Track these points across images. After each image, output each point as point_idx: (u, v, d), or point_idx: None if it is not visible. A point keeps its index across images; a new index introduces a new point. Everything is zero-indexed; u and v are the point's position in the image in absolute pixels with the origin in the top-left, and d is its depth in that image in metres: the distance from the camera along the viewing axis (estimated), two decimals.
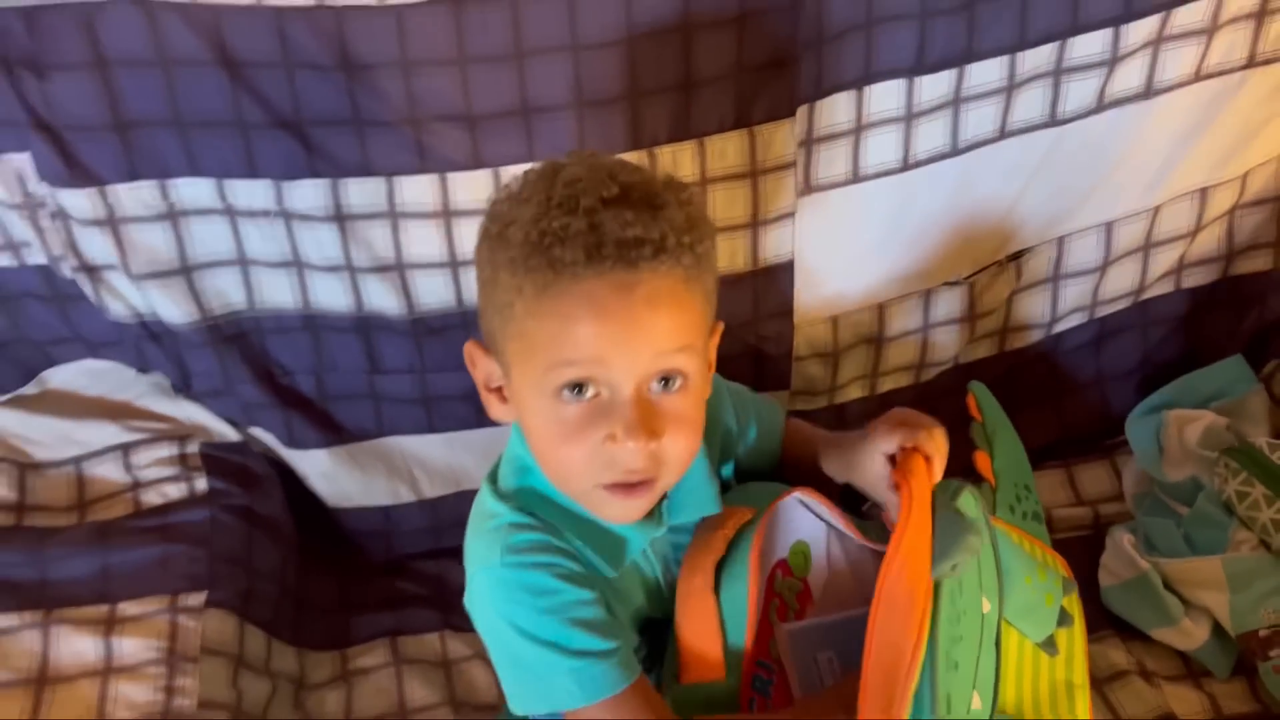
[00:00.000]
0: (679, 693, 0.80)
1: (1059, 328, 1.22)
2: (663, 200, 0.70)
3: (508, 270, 0.69)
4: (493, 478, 0.82)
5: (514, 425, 0.80)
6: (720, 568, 0.82)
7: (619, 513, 0.76)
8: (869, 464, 0.80)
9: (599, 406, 0.71)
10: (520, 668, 0.77)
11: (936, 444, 0.78)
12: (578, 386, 0.71)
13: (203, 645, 0.94)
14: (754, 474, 0.95)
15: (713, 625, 0.80)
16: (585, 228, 0.67)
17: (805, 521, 0.89)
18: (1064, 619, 0.91)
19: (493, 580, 0.76)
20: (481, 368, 0.78)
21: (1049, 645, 0.88)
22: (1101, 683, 1.03)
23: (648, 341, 0.70)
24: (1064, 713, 0.86)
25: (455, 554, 1.16)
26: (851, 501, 0.90)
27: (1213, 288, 1.24)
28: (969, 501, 0.79)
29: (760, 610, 0.82)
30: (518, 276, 0.69)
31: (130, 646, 0.92)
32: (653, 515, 0.80)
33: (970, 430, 1.01)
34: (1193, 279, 1.23)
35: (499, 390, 0.77)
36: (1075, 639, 0.92)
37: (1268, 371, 1.22)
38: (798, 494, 0.86)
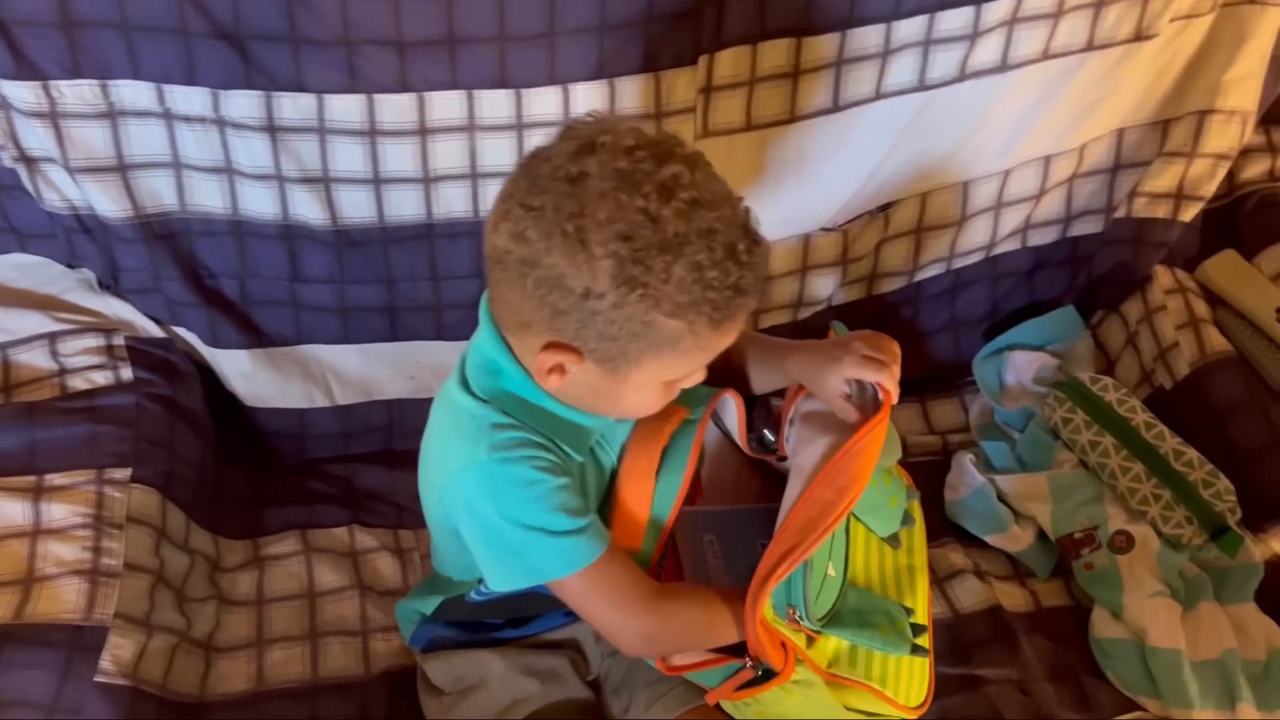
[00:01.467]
0: None
1: (920, 276, 1.36)
2: (753, 218, 0.77)
3: (678, 318, 0.74)
4: (463, 383, 0.85)
5: (486, 329, 0.83)
6: (662, 456, 0.92)
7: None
8: (832, 379, 0.89)
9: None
10: (505, 550, 0.84)
11: (896, 379, 0.88)
12: None
13: (128, 514, 1.00)
14: None
15: (645, 503, 0.90)
16: (751, 276, 0.75)
17: (714, 435, 1.00)
18: (907, 520, 1.05)
19: (481, 475, 0.82)
20: (555, 361, 0.78)
21: (893, 540, 1.02)
22: (942, 580, 1.18)
23: None
24: (905, 588, 0.99)
25: (364, 459, 1.27)
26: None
27: (1053, 246, 1.39)
28: None
29: (685, 494, 0.91)
30: (695, 323, 0.74)
31: (59, 512, 0.98)
32: None
33: None
34: (1036, 238, 1.39)
35: (560, 369, 0.79)
36: (916, 536, 1.06)
37: (1095, 321, 1.39)
38: (725, 395, 0.96)
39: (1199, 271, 1.36)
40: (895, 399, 0.87)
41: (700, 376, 0.85)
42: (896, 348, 0.89)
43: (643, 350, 0.76)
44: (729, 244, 0.73)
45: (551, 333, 0.77)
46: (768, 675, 0.87)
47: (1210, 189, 1.32)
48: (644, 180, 0.72)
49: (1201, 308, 1.30)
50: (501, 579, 0.85)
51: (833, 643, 0.90)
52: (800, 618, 0.84)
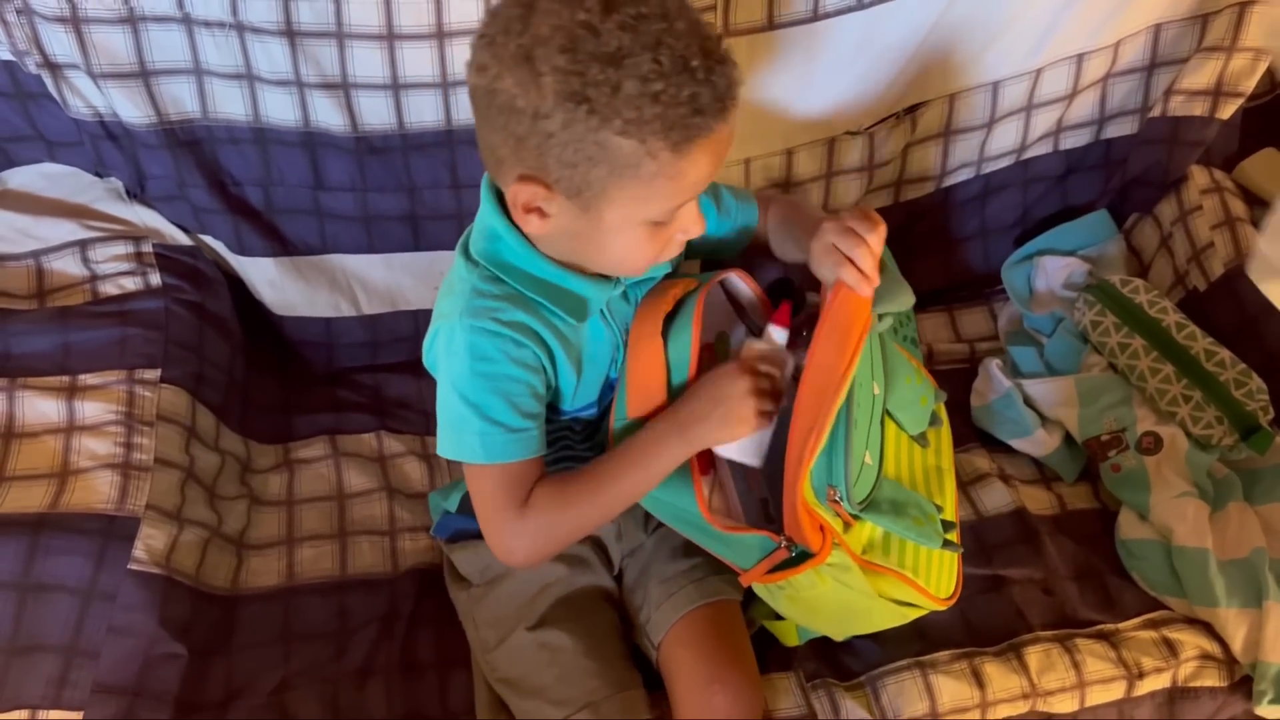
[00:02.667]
0: (627, 426, 0.90)
1: (949, 181, 1.34)
2: (719, 35, 0.76)
3: (632, 138, 0.72)
4: (464, 248, 0.88)
5: (487, 199, 0.85)
6: (667, 321, 0.91)
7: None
8: (818, 250, 0.88)
9: (673, 216, 0.81)
10: (445, 414, 0.87)
11: (870, 257, 0.86)
12: None
13: (158, 413, 1.03)
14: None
15: (659, 366, 0.89)
16: (708, 94, 0.72)
17: (726, 314, 1.00)
18: (934, 420, 1.05)
19: (447, 332, 0.85)
20: (527, 199, 0.78)
21: (921, 439, 1.01)
22: (966, 484, 1.17)
23: (725, 156, 0.79)
24: (934, 487, 0.99)
25: (391, 369, 1.28)
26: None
27: (1086, 149, 1.36)
28: None
29: (698, 363, 0.90)
30: (650, 144, 0.72)
31: (91, 409, 1.01)
32: (609, 277, 0.89)
33: None
34: (1069, 141, 1.35)
35: (539, 210, 0.79)
36: (943, 437, 1.06)
37: (1129, 225, 1.36)
38: (730, 274, 0.96)
39: (1237, 171, 1.32)
40: (870, 280, 0.85)
41: (695, 224, 0.82)
42: (882, 227, 0.86)
43: (605, 179, 0.75)
44: (680, 57, 0.71)
45: (519, 164, 0.77)
46: (802, 557, 0.87)
47: (1250, 85, 1.27)
48: None
49: (1238, 207, 1.27)
50: (441, 442, 0.87)
51: (867, 530, 0.90)
52: (840, 498, 0.84)
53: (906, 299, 0.89)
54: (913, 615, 0.96)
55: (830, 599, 0.90)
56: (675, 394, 0.89)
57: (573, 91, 0.70)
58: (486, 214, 0.85)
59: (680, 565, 0.99)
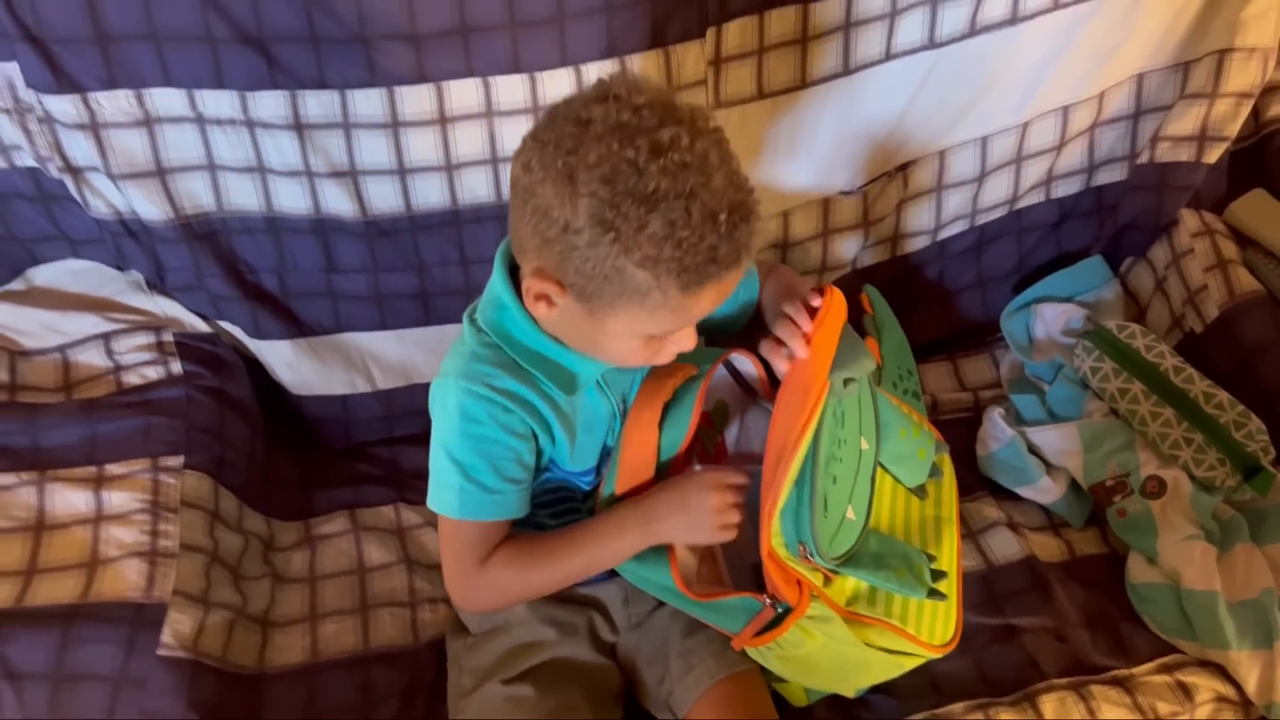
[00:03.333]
0: (613, 500, 0.94)
1: (944, 234, 1.36)
2: (753, 191, 0.80)
3: (647, 269, 0.77)
4: (471, 312, 0.93)
5: (500, 270, 0.89)
6: (665, 410, 0.95)
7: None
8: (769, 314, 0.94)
9: (671, 335, 0.86)
10: (433, 466, 0.92)
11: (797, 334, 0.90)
12: None
13: (182, 499, 1.07)
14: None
15: (650, 453, 0.94)
16: (728, 247, 0.77)
17: (729, 387, 1.03)
18: (935, 473, 1.07)
19: (444, 391, 0.90)
20: (540, 289, 0.82)
21: (920, 491, 1.03)
22: (975, 533, 1.19)
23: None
24: (930, 536, 1.01)
25: (408, 441, 1.31)
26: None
27: (1077, 197, 1.39)
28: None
29: (691, 441, 0.94)
30: (662, 279, 0.77)
31: (118, 499, 1.05)
32: None
33: (863, 321, 1.17)
34: (1060, 189, 1.38)
35: (547, 298, 0.83)
36: (945, 488, 1.08)
37: (1124, 269, 1.38)
38: (734, 354, 0.99)
39: (1227, 213, 1.34)
40: (789, 348, 0.89)
41: (688, 342, 0.87)
42: (830, 298, 0.90)
43: (615, 296, 0.79)
44: (710, 210, 0.75)
45: (539, 259, 0.81)
46: (787, 615, 0.89)
47: (1234, 129, 1.30)
48: (639, 134, 0.75)
49: (1230, 249, 1.29)
50: (429, 494, 0.92)
51: (851, 582, 0.92)
52: (811, 554, 0.86)
53: (865, 364, 0.91)
54: (910, 664, 0.97)
55: (822, 654, 0.92)
56: (662, 472, 0.93)
57: (604, 219, 0.75)
58: (496, 284, 0.90)
59: (698, 636, 1.00)
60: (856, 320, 1.17)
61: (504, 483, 0.91)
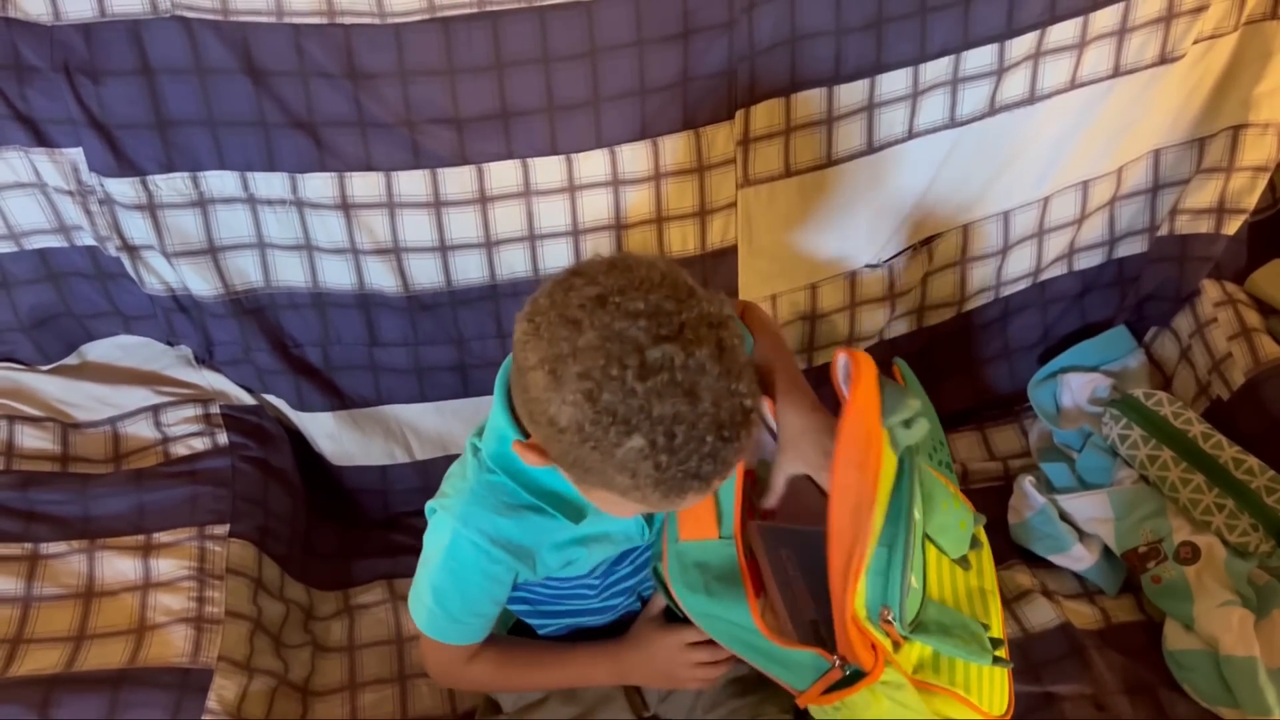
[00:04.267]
0: (678, 552, 0.94)
1: (969, 306, 1.39)
2: (750, 394, 0.75)
3: (626, 477, 0.74)
4: (474, 445, 0.91)
5: (500, 401, 0.85)
6: None
7: None
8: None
9: None
10: (417, 581, 0.94)
11: None
12: None
13: (228, 567, 1.09)
14: None
15: (709, 519, 0.93)
16: (711, 467, 0.74)
17: (769, 442, 1.04)
18: (975, 543, 1.07)
19: (440, 525, 0.90)
20: (529, 453, 0.80)
21: (963, 562, 1.04)
22: (1010, 601, 1.19)
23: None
24: (979, 608, 1.01)
25: None
26: None
27: (1100, 269, 1.42)
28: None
29: (743, 494, 0.94)
30: (642, 487, 0.74)
31: (165, 566, 1.07)
32: None
33: None
34: (1082, 262, 1.41)
35: (535, 459, 0.81)
36: (984, 559, 1.08)
37: (1148, 338, 1.40)
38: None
39: (1248, 283, 1.36)
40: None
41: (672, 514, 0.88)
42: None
43: (597, 485, 0.77)
44: (693, 438, 0.72)
45: (530, 429, 0.80)
46: (855, 677, 0.89)
47: (1252, 201, 1.33)
48: (631, 352, 0.71)
49: (1253, 317, 1.31)
50: (410, 596, 0.96)
51: (916, 649, 0.92)
52: (893, 619, 0.86)
53: (911, 404, 0.91)
54: None
55: (887, 715, 0.92)
56: (723, 520, 0.93)
57: (585, 431, 0.72)
58: (498, 418, 0.86)
59: (725, 707, 1.01)
60: None
61: (473, 617, 0.94)
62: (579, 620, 1.01)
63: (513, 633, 1.06)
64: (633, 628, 1.02)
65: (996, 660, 0.94)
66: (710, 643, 0.97)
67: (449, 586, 0.91)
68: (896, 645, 0.90)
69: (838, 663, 0.89)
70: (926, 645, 0.92)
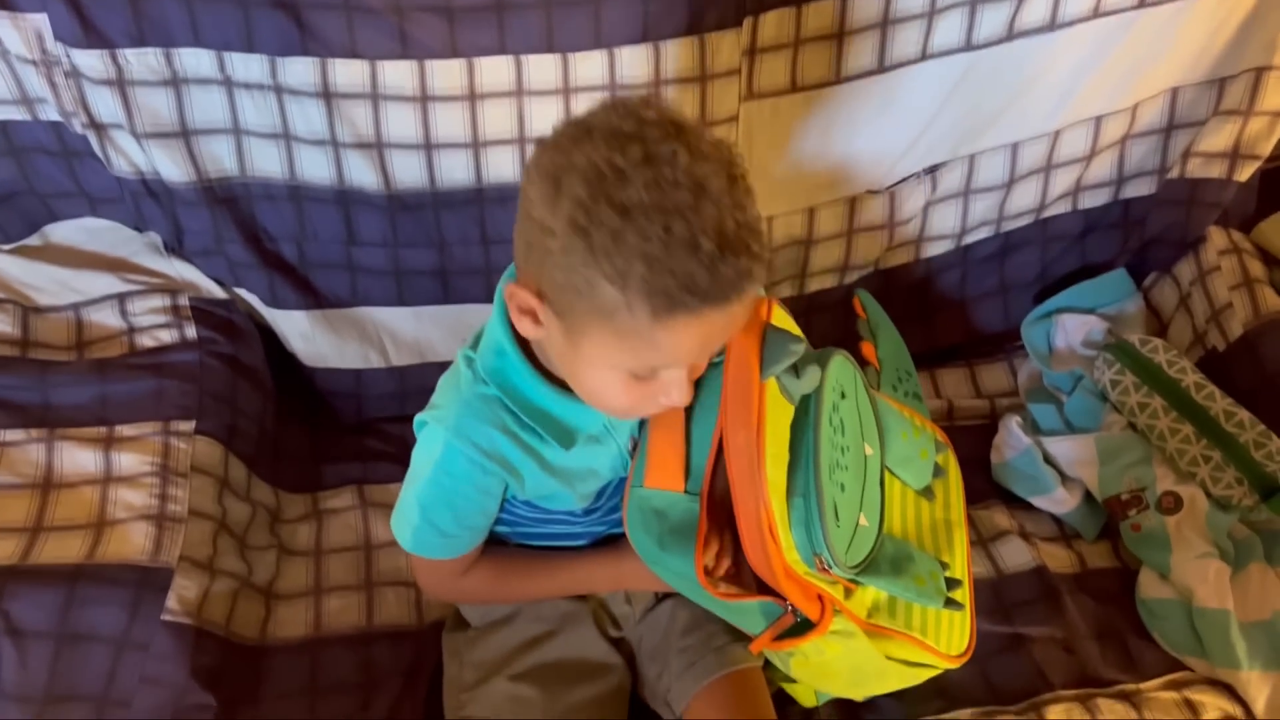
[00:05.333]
0: (640, 496, 0.90)
1: (968, 239, 1.35)
2: (760, 233, 0.72)
3: (616, 286, 0.70)
4: (468, 356, 0.87)
5: (498, 311, 0.84)
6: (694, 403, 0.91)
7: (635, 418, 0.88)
8: None
9: (656, 375, 0.78)
10: (402, 494, 0.91)
11: None
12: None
13: (192, 464, 1.06)
14: None
15: (679, 439, 0.90)
16: (706, 277, 0.68)
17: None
18: (938, 472, 1.05)
19: (431, 438, 0.87)
20: (523, 301, 0.77)
21: (927, 493, 1.02)
22: (986, 541, 1.18)
23: (721, 343, 0.78)
24: (943, 542, 1.00)
25: None
26: None
27: (1105, 209, 1.38)
28: (841, 362, 0.92)
29: (717, 446, 0.89)
30: (631, 299, 0.70)
31: (127, 461, 1.04)
32: None
33: (856, 326, 1.16)
34: (1087, 201, 1.37)
35: (533, 314, 0.78)
36: (952, 491, 1.07)
37: (1148, 283, 1.38)
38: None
39: (1255, 232, 1.33)
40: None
41: (677, 392, 0.79)
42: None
43: (585, 315, 0.73)
44: (690, 236, 0.68)
45: (525, 265, 0.77)
46: (806, 624, 0.88)
47: (1268, 147, 1.29)
48: (635, 144, 0.69)
49: (1257, 268, 1.28)
50: (393, 516, 0.93)
51: (870, 594, 0.91)
52: (829, 565, 0.85)
53: (795, 349, 0.86)
54: (926, 675, 0.96)
55: (840, 663, 0.91)
56: (692, 474, 0.89)
57: (578, 223, 0.69)
58: (496, 329, 0.85)
59: (700, 633, 1.00)
60: (850, 325, 1.17)
61: (463, 530, 0.91)
62: (560, 543, 0.98)
63: None
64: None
65: (949, 603, 0.92)
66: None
67: (439, 500, 0.88)
68: (849, 591, 0.89)
69: (789, 608, 0.88)
70: (879, 590, 0.91)
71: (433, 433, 0.87)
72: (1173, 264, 1.35)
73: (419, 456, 0.89)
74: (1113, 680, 1.06)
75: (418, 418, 0.89)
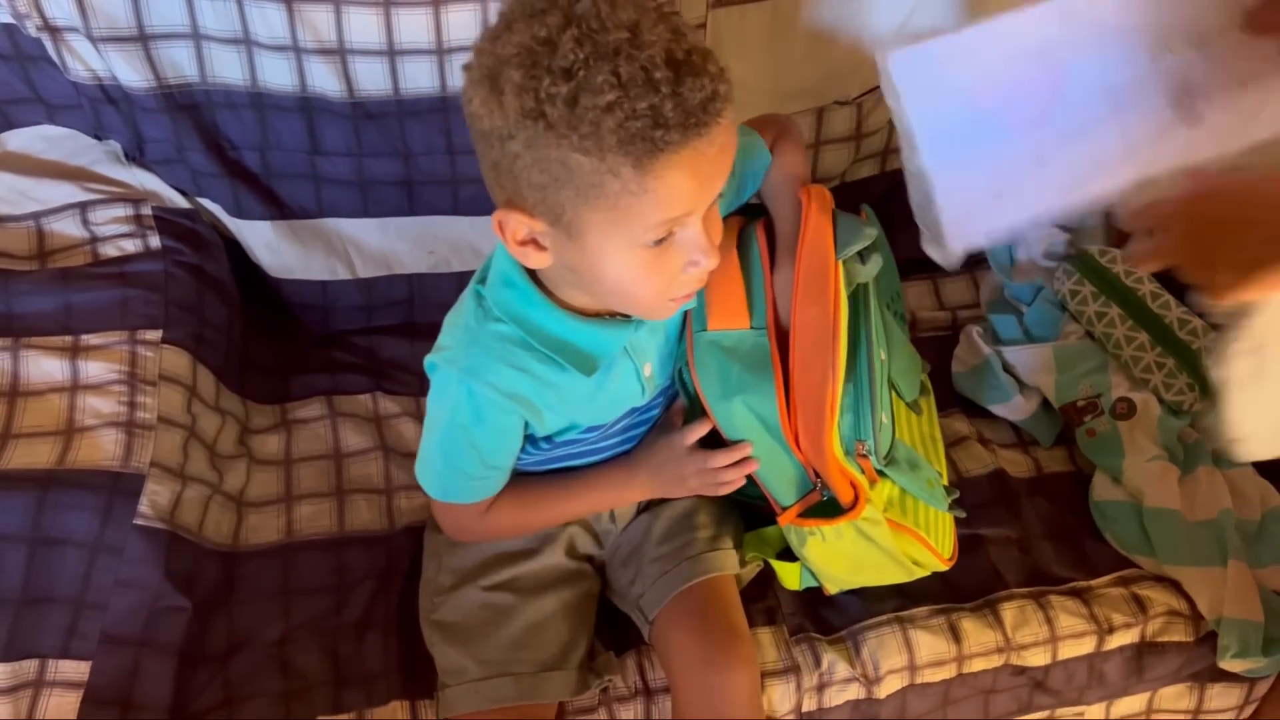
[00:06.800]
0: (706, 340, 0.90)
1: None
2: (712, 54, 0.70)
3: (591, 155, 0.68)
4: (480, 287, 0.86)
5: (500, 246, 0.82)
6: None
7: (674, 312, 0.85)
8: None
9: (674, 241, 0.76)
10: (423, 441, 0.92)
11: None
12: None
13: (160, 373, 1.05)
14: None
15: (736, 274, 0.91)
16: (673, 106, 0.67)
17: None
18: (924, 389, 1.08)
19: (445, 382, 0.86)
20: (515, 229, 0.76)
21: (915, 407, 1.05)
22: (948, 447, 1.20)
23: (721, 180, 0.75)
24: (932, 454, 1.03)
25: (386, 331, 1.30)
26: None
27: None
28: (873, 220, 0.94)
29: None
30: (610, 160, 0.68)
31: (94, 369, 1.03)
32: (618, 315, 0.86)
33: None
34: None
35: (534, 241, 0.77)
36: (931, 408, 1.10)
37: None
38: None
39: None
40: None
41: (697, 251, 0.77)
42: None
43: (575, 201, 0.71)
44: (641, 69, 0.66)
45: (501, 191, 0.75)
46: (832, 504, 0.90)
47: None
48: (552, 13, 0.67)
49: None
50: (417, 464, 0.93)
51: (886, 488, 0.93)
52: (869, 452, 0.87)
53: (868, 233, 0.91)
54: (919, 574, 1.00)
55: (849, 551, 0.94)
56: (755, 307, 0.91)
57: (529, 108, 0.67)
58: (501, 258, 0.84)
59: (674, 542, 1.02)
60: None
61: (489, 470, 0.91)
62: (568, 464, 0.98)
63: None
64: (642, 440, 0.99)
65: (953, 506, 0.96)
66: (717, 448, 0.94)
67: (461, 445, 0.87)
68: (871, 482, 0.91)
69: (819, 485, 0.90)
70: (896, 483, 0.93)
71: (445, 376, 0.86)
72: None
73: (434, 403, 0.88)
74: (1065, 578, 1.10)
75: (428, 360, 0.88)
